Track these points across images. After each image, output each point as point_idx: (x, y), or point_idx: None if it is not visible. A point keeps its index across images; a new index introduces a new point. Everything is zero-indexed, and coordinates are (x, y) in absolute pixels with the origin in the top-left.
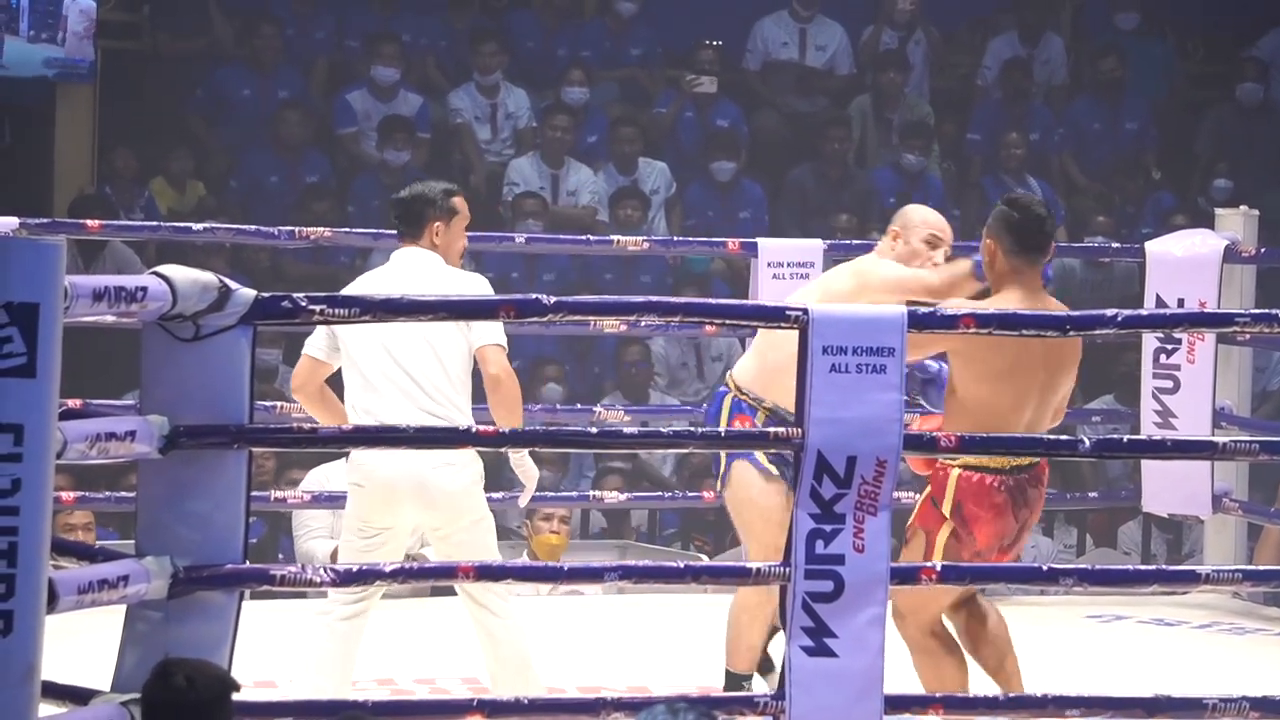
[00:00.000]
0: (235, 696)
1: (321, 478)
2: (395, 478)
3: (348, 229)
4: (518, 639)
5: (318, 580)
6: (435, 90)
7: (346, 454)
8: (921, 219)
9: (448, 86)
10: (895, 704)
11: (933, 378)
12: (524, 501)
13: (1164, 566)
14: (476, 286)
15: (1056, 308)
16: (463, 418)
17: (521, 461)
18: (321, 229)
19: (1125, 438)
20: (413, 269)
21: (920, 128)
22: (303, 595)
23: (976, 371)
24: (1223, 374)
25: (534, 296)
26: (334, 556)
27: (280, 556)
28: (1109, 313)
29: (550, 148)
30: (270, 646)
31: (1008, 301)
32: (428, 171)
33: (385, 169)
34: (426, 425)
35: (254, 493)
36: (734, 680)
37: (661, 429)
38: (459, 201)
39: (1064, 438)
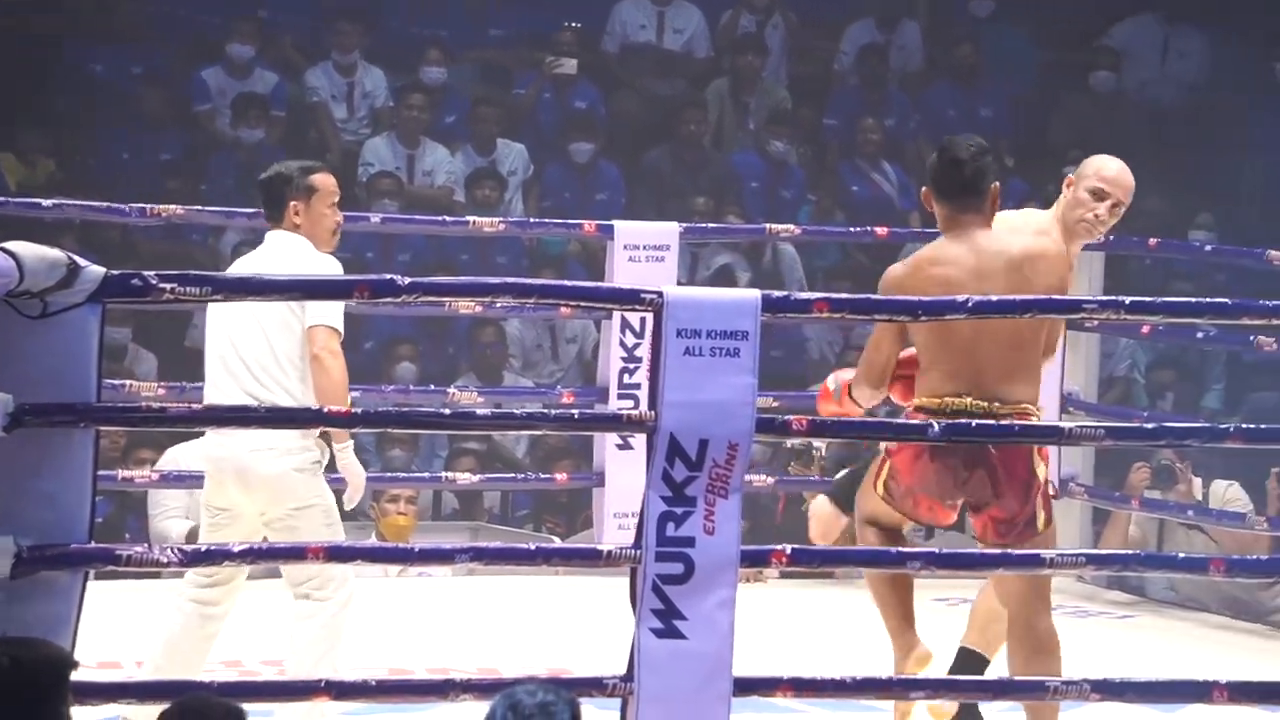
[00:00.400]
0: (75, 676)
1: (177, 456)
2: (219, 459)
3: (200, 207)
4: (325, 629)
5: (165, 560)
6: (292, 68)
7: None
8: (1095, 170)
9: (305, 65)
10: (744, 686)
11: None
12: (351, 503)
13: (1011, 550)
14: (324, 268)
15: (1003, 251)
16: (290, 401)
17: (347, 462)
18: (174, 207)
19: (974, 422)
20: (268, 252)
21: (779, 112)
22: (156, 575)
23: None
24: (1070, 360)
25: (388, 277)
26: (189, 537)
27: (128, 536)
28: (960, 298)
29: (406, 127)
30: (118, 627)
31: (936, 250)
32: (283, 150)
33: (240, 147)
34: (276, 406)
35: (101, 472)
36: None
37: (515, 411)
38: (319, 179)
39: (915, 423)
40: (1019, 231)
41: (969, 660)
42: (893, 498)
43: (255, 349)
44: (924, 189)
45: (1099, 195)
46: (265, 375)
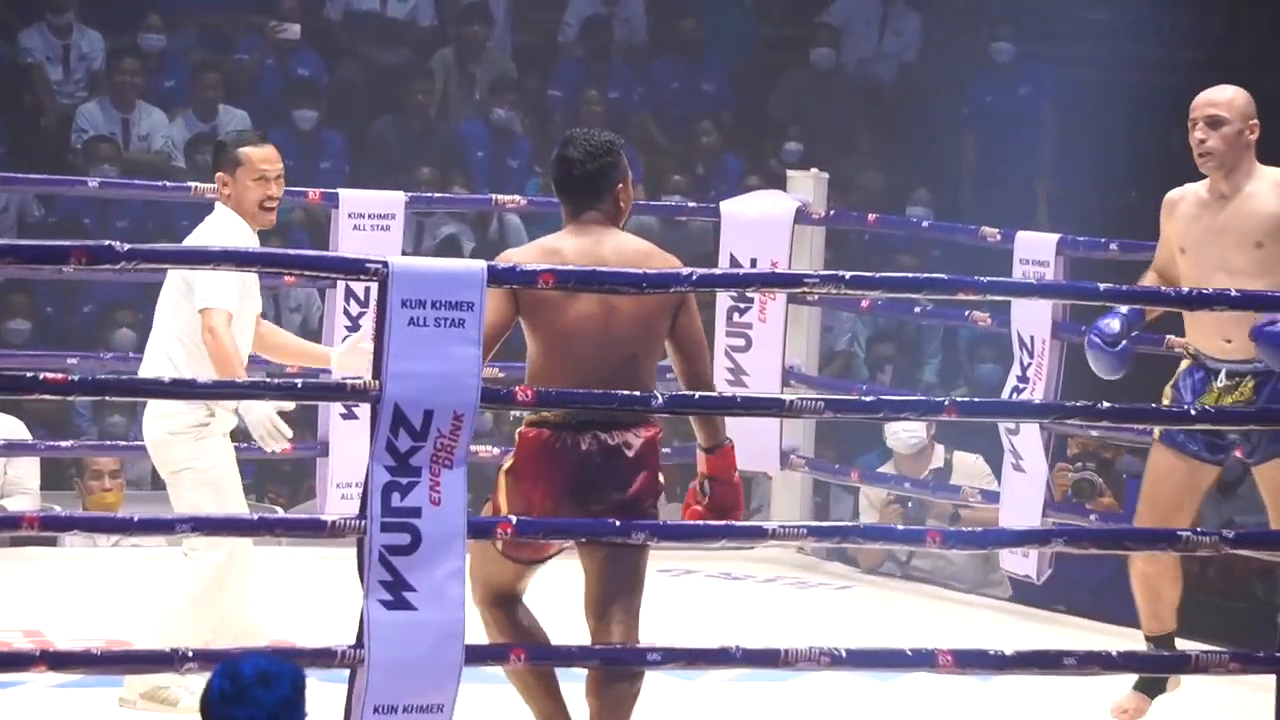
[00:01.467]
0: None
1: None
2: None
3: None
4: (190, 590)
5: None
6: (4, 29)
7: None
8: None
9: (18, 25)
10: (476, 655)
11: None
12: (260, 440)
13: (732, 522)
14: (209, 240)
15: (621, 249)
16: (172, 370)
17: (245, 408)
18: None
19: (697, 394)
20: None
21: (507, 82)
22: None
23: (536, 327)
24: (792, 333)
25: (107, 244)
26: None
27: None
28: (684, 271)
29: (120, 91)
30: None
31: (557, 240)
32: None
33: None
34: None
35: None
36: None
37: (237, 380)
38: (246, 151)
39: (639, 394)
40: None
41: (1162, 644)
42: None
43: (156, 326)
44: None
45: (1194, 125)
46: (149, 347)
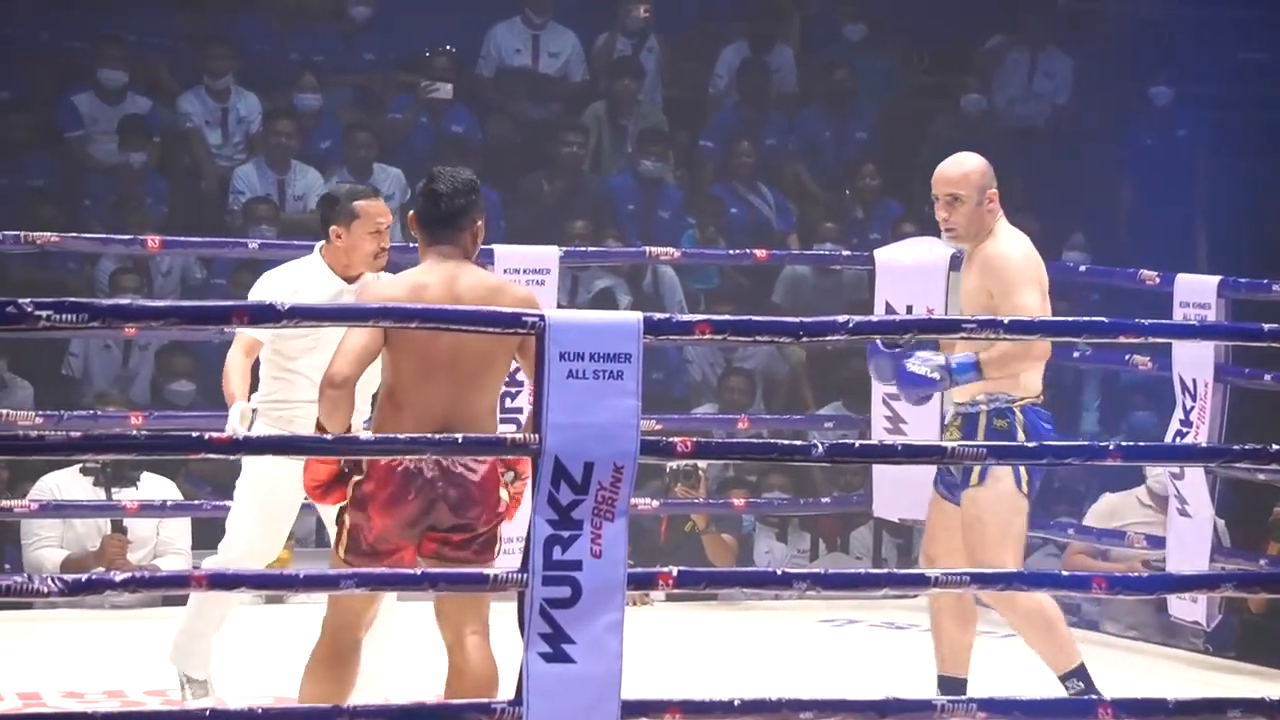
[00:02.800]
0: None
1: (52, 485)
2: None
3: (76, 234)
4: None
5: (45, 590)
6: (164, 93)
7: (78, 463)
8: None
9: (176, 89)
10: (633, 709)
11: (921, 386)
12: (238, 421)
13: (895, 570)
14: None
15: (475, 285)
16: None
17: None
18: (49, 234)
19: (857, 443)
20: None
21: (656, 134)
22: (29, 605)
23: (395, 355)
24: None
25: (268, 303)
26: (64, 566)
27: (7, 566)
28: (840, 319)
29: (276, 153)
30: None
31: (419, 274)
32: (160, 176)
33: (113, 173)
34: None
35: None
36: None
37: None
38: (362, 205)
39: (797, 443)
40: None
41: (950, 687)
42: (360, 556)
43: None
44: (410, 213)
45: (936, 200)
46: None
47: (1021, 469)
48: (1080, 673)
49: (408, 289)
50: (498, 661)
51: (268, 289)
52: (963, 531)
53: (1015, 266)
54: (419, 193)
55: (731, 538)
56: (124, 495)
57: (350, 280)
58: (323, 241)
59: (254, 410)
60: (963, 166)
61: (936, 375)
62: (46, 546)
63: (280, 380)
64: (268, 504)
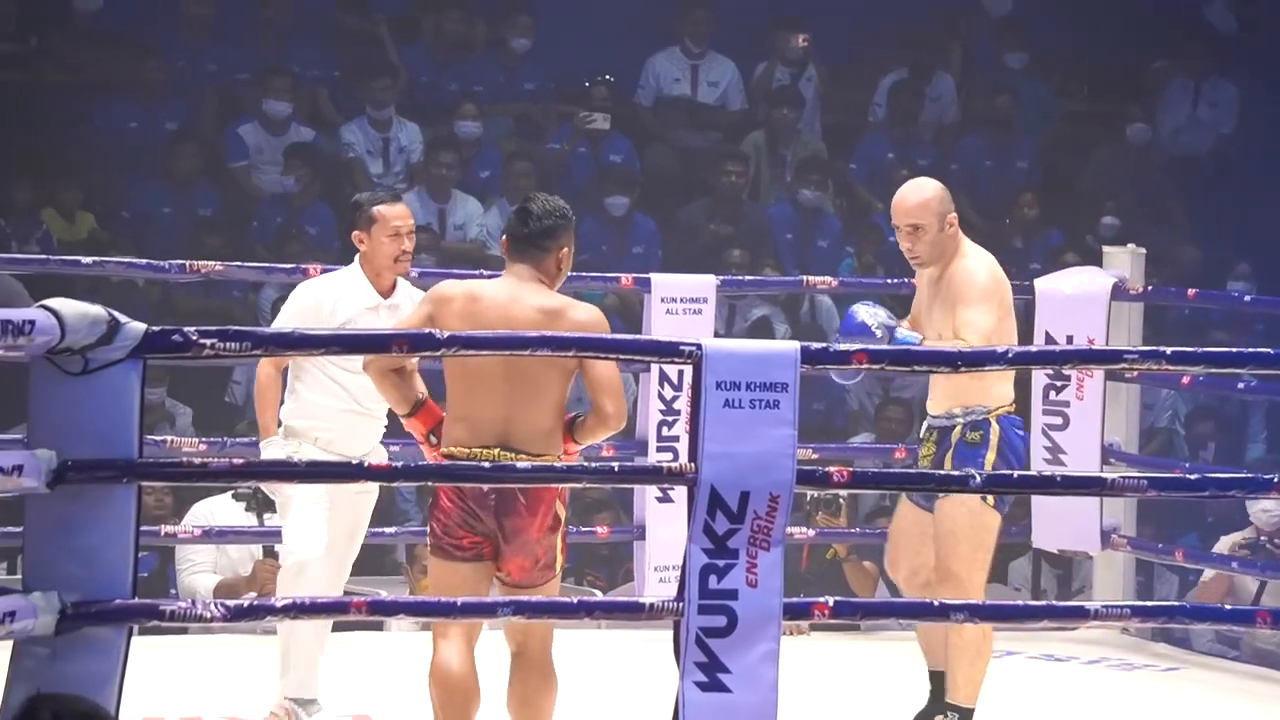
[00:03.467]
0: None
1: (206, 512)
2: None
3: (240, 263)
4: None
5: (208, 616)
6: (326, 123)
7: (230, 489)
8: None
9: (339, 120)
10: None
11: (857, 333)
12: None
13: (1054, 602)
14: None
15: (538, 306)
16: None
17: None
18: (212, 263)
19: (1015, 473)
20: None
21: (816, 163)
22: (184, 630)
23: (451, 370)
24: (1111, 410)
25: (427, 332)
26: (218, 590)
27: (172, 591)
28: (1000, 349)
29: (436, 182)
30: (162, 682)
31: (485, 284)
32: (323, 205)
33: (286, 201)
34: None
35: (144, 527)
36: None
37: (555, 463)
38: (381, 209)
39: (955, 474)
40: (555, 296)
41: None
42: (438, 551)
43: None
44: (504, 236)
45: (897, 230)
46: None
47: None
48: (968, 716)
49: (463, 293)
50: (557, 673)
51: (308, 300)
52: (935, 541)
53: (979, 283)
54: (512, 213)
55: (874, 566)
56: (276, 521)
57: (382, 291)
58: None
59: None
60: (921, 195)
61: (878, 331)
62: (201, 572)
63: (315, 390)
64: (301, 507)
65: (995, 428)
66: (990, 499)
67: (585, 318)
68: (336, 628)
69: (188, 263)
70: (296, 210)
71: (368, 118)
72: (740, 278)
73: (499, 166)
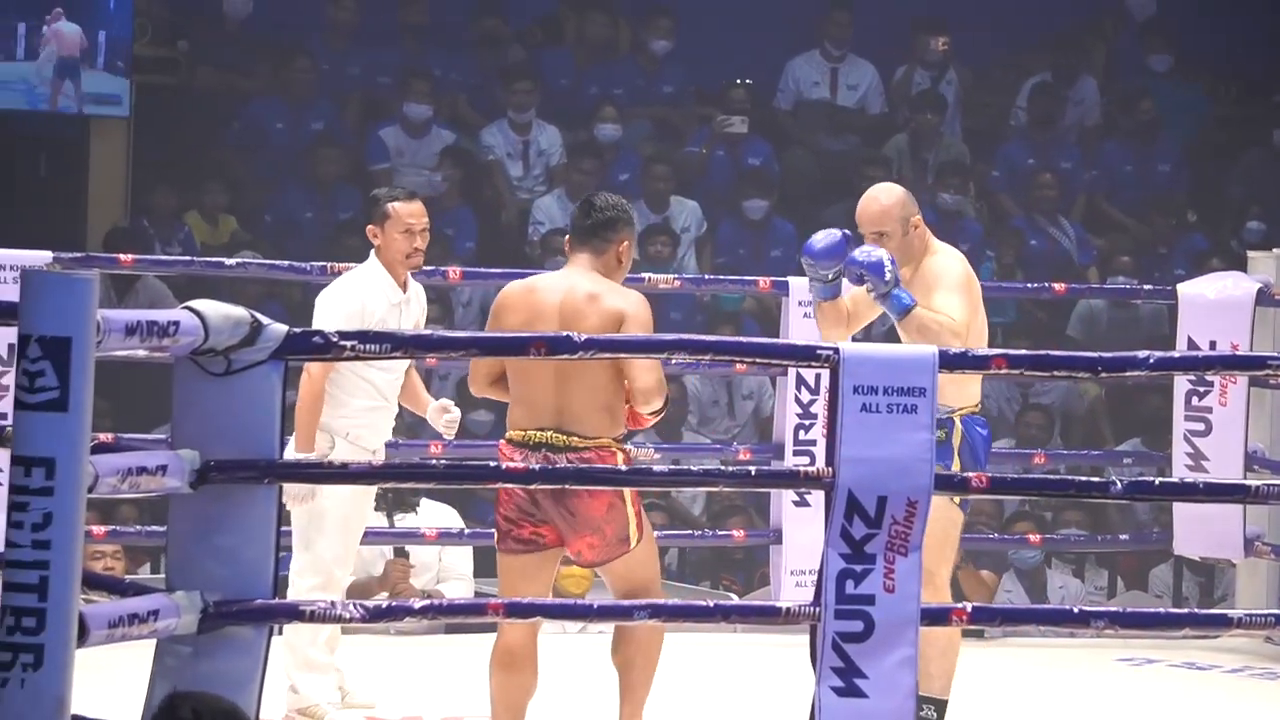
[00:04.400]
0: None
1: None
2: None
3: None
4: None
5: (348, 616)
6: (467, 127)
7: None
8: None
9: (479, 123)
10: None
11: (870, 265)
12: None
13: (1196, 610)
14: (333, 299)
15: (592, 295)
16: None
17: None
18: (352, 265)
19: (1157, 480)
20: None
21: (957, 167)
22: None
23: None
24: (1255, 417)
25: (564, 334)
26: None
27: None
28: (1142, 354)
29: (576, 185)
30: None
31: (542, 280)
32: (463, 208)
33: (426, 204)
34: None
35: (284, 527)
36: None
37: (692, 467)
38: (394, 206)
39: (1096, 479)
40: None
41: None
42: (505, 541)
43: None
44: (566, 237)
45: (865, 237)
46: None
47: None
48: (943, 708)
49: (524, 286)
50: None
51: (353, 303)
52: None
53: (953, 275)
54: (575, 208)
55: (992, 575)
56: (405, 521)
57: (400, 286)
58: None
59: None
60: (881, 203)
61: (889, 276)
62: None
63: (348, 390)
64: (352, 516)
65: (958, 427)
66: (957, 499)
67: (613, 309)
68: (447, 630)
69: (329, 264)
70: (436, 212)
71: (508, 120)
72: None
73: (638, 170)
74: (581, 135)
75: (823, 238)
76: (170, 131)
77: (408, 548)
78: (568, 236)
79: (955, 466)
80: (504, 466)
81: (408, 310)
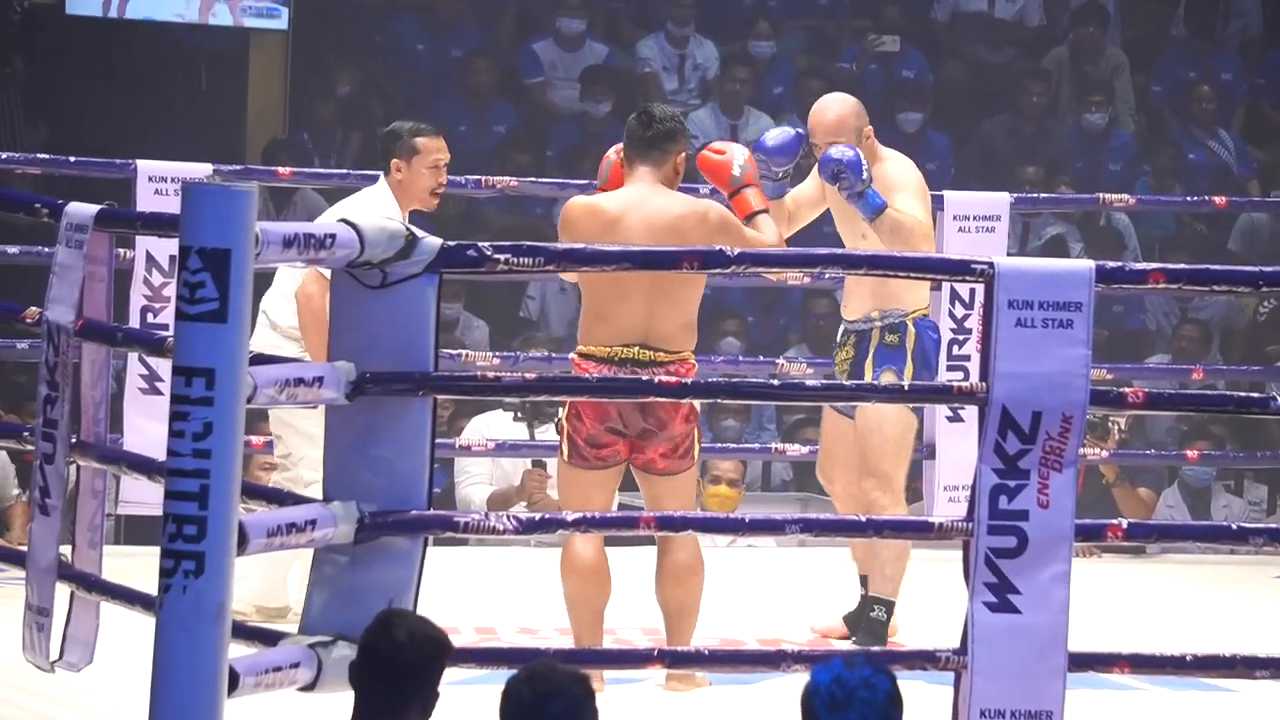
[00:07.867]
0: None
1: (483, 425)
2: None
3: (534, 179)
4: None
5: (501, 528)
6: (622, 40)
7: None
8: None
9: (634, 36)
10: (1079, 661)
11: (849, 163)
12: None
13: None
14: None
15: (660, 208)
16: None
17: None
18: (508, 179)
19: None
20: (351, 200)
21: (1106, 85)
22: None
23: (591, 276)
24: None
25: (717, 249)
26: (490, 502)
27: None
28: None
29: (729, 99)
30: (453, 592)
31: (613, 194)
32: (615, 122)
33: (585, 119)
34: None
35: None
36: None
37: (844, 382)
38: (423, 141)
39: (1255, 395)
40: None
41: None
42: (579, 457)
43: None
44: (617, 149)
45: (816, 149)
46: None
47: (907, 376)
48: (891, 607)
49: (588, 204)
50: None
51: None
52: (860, 439)
53: (909, 179)
54: (630, 121)
55: (1150, 492)
56: (545, 435)
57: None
58: (383, 175)
59: None
60: (834, 112)
61: (865, 174)
62: (476, 484)
63: None
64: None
65: (912, 330)
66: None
67: (725, 213)
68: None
69: (483, 178)
70: (593, 127)
71: (666, 34)
72: (1034, 195)
73: (791, 83)
74: (736, 49)
75: (777, 134)
76: (328, 45)
77: (545, 459)
78: (619, 149)
79: (907, 369)
80: (656, 380)
81: None
